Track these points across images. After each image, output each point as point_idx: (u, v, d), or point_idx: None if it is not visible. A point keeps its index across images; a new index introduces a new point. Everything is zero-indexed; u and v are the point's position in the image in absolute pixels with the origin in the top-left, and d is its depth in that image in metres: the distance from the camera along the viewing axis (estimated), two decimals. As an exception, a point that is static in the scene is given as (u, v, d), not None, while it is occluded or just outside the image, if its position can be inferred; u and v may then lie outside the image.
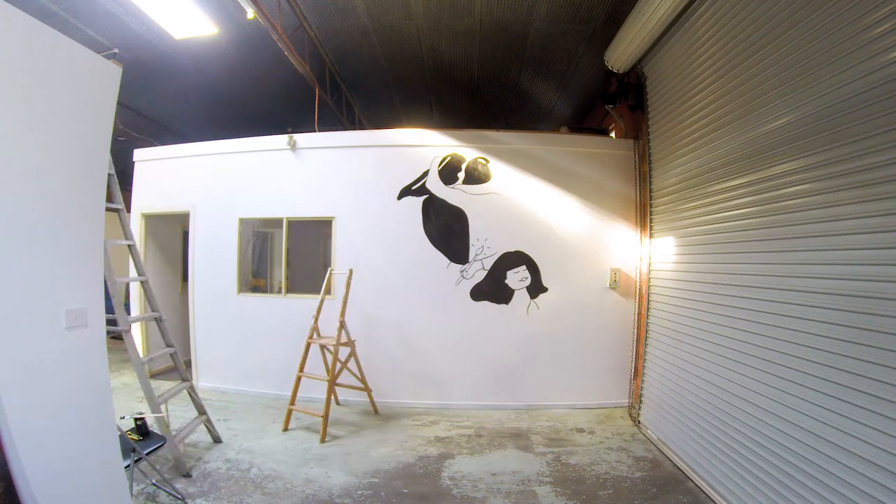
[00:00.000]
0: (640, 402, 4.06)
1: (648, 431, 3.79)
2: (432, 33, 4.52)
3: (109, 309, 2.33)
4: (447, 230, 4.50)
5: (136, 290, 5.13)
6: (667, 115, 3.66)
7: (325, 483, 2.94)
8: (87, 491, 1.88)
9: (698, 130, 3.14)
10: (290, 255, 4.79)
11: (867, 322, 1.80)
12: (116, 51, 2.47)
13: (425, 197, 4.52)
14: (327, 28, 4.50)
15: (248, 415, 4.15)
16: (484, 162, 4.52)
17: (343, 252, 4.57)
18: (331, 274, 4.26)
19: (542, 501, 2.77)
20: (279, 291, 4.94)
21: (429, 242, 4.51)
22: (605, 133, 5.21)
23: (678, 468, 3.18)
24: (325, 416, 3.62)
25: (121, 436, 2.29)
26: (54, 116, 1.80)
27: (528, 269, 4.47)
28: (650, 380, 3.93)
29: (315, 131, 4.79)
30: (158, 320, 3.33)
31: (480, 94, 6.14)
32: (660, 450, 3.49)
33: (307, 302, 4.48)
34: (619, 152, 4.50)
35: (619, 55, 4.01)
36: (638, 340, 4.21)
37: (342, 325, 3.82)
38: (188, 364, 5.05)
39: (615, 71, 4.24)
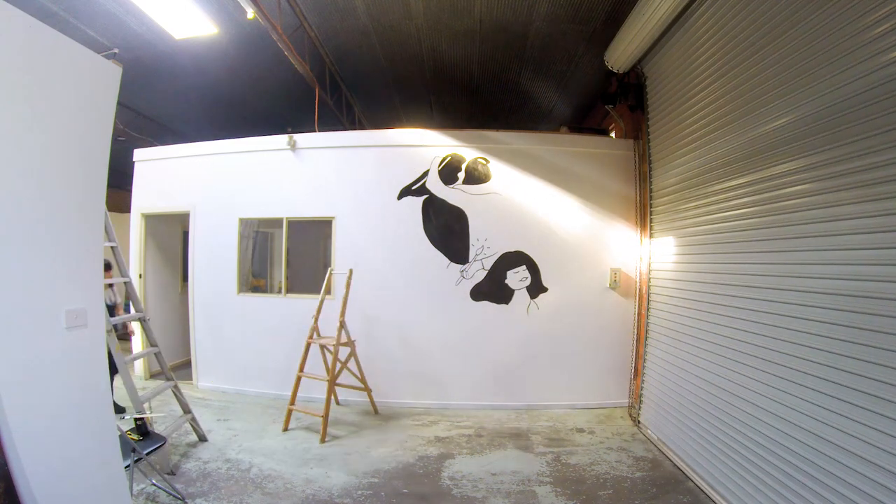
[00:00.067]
0: (640, 402, 4.05)
1: (648, 431, 3.79)
2: (432, 33, 4.52)
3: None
4: (447, 230, 4.50)
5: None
6: (667, 115, 3.66)
7: (325, 483, 2.94)
8: (87, 491, 1.88)
9: (698, 130, 3.13)
10: (290, 255, 4.79)
11: (867, 322, 1.80)
12: (116, 51, 2.48)
13: (425, 197, 4.52)
14: (327, 28, 4.50)
15: (248, 415, 4.15)
16: (484, 162, 4.52)
17: (343, 252, 4.57)
18: (331, 274, 4.26)
19: (542, 501, 2.77)
20: (279, 291, 4.94)
21: (429, 242, 4.51)
22: (605, 133, 5.21)
23: (678, 468, 3.18)
24: (325, 416, 3.62)
25: (121, 436, 2.29)
26: (54, 116, 1.80)
27: (528, 269, 4.47)
28: (650, 380, 3.93)
29: (315, 131, 4.79)
30: (143, 321, 3.34)
31: (480, 94, 6.14)
32: (660, 450, 3.49)
33: (307, 302, 4.48)
34: (619, 152, 4.50)
35: (619, 55, 4.01)
36: (638, 340, 4.21)
37: (342, 325, 3.83)
38: (188, 364, 5.06)
39: (615, 71, 4.24)
